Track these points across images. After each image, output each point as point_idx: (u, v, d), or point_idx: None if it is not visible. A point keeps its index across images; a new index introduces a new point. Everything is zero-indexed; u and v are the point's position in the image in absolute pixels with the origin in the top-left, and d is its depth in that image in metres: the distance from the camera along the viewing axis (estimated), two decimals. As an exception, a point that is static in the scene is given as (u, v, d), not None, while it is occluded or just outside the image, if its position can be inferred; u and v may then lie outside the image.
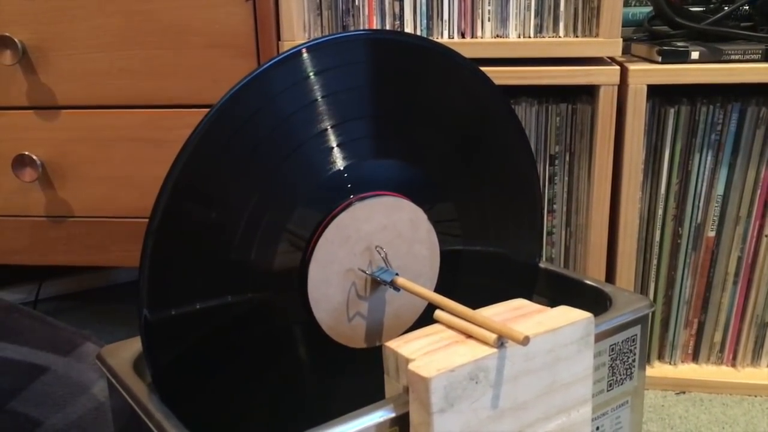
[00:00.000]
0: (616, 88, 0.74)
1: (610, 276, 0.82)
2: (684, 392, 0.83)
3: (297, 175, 0.46)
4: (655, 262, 0.82)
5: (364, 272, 0.48)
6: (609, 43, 0.75)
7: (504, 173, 0.57)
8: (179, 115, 0.80)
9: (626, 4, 0.93)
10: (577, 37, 0.77)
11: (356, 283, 0.48)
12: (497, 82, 0.56)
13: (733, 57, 0.75)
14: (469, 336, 0.41)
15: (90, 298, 1.18)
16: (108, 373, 0.48)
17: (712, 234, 0.80)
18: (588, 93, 0.79)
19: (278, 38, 0.77)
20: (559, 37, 0.77)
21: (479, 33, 0.78)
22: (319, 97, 0.47)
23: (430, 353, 0.40)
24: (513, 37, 0.78)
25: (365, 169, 0.49)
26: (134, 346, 0.49)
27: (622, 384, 0.52)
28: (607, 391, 0.52)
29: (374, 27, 0.78)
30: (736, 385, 0.82)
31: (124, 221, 0.84)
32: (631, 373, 0.53)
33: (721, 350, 0.84)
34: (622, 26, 0.75)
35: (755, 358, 0.84)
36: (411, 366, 0.39)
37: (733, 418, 0.78)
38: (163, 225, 0.42)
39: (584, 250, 0.81)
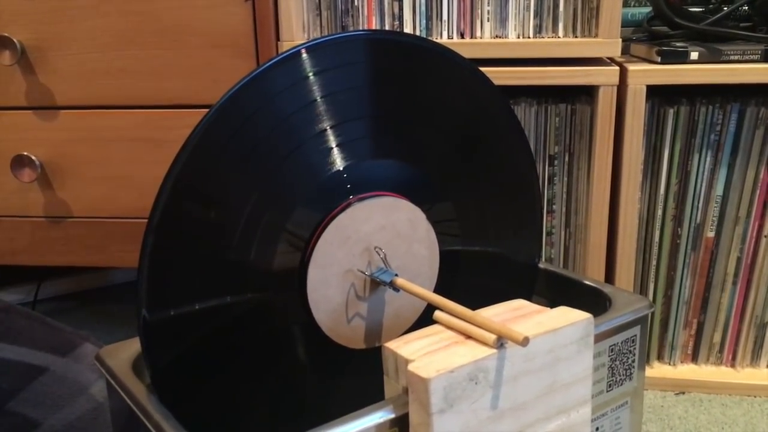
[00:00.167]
0: (615, 88, 0.74)
1: (610, 276, 0.82)
2: (683, 393, 0.83)
3: (296, 175, 0.46)
4: (654, 262, 0.82)
5: (364, 273, 0.48)
6: (608, 43, 0.75)
7: (503, 173, 0.57)
8: (178, 116, 0.80)
9: (625, 4, 0.94)
10: (576, 37, 0.77)
11: (355, 284, 0.48)
12: (496, 82, 0.56)
13: (732, 57, 0.75)
14: (469, 337, 0.41)
15: (89, 299, 1.18)
16: (107, 373, 0.48)
17: (711, 234, 0.80)
18: (587, 93, 0.79)
19: (277, 38, 0.77)
20: (559, 37, 0.77)
21: (478, 33, 0.78)
22: (318, 98, 0.47)
23: (429, 354, 0.40)
24: (512, 37, 0.78)
25: (364, 169, 0.49)
26: (133, 346, 0.49)
27: (621, 384, 0.52)
28: (607, 391, 0.52)
29: (373, 27, 0.78)
30: (736, 385, 0.82)
31: (123, 221, 0.84)
32: (631, 373, 0.53)
33: (721, 350, 0.84)
34: (622, 26, 0.75)
35: (754, 358, 0.84)
36: (410, 367, 0.39)
37: (733, 418, 0.78)
38: (162, 225, 0.42)
39: (584, 251, 0.81)
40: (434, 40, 0.75)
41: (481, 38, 0.78)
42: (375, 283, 0.49)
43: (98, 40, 0.78)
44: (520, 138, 0.58)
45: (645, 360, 0.54)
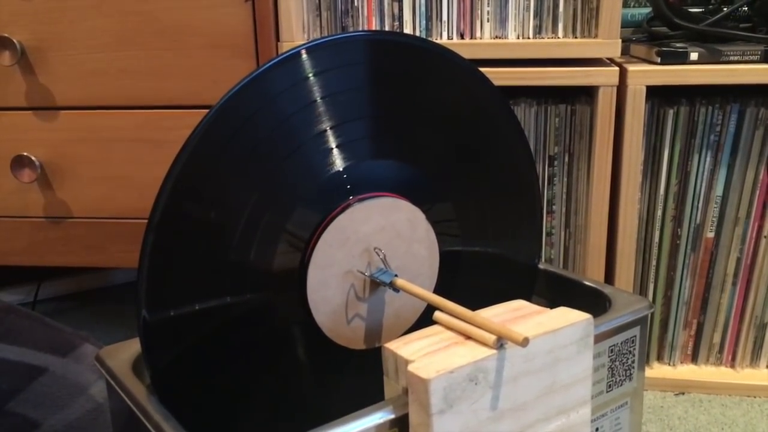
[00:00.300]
0: (615, 89, 0.74)
1: (610, 277, 0.82)
2: (683, 393, 0.83)
3: (296, 175, 0.46)
4: (654, 262, 0.82)
5: (363, 274, 0.48)
6: (608, 44, 0.75)
7: (503, 174, 0.57)
8: (178, 116, 0.80)
9: (625, 5, 0.94)
10: (576, 38, 0.77)
11: (355, 285, 0.48)
12: (496, 82, 0.56)
13: (732, 58, 0.75)
14: (469, 337, 0.41)
15: (89, 299, 1.18)
16: (107, 374, 0.48)
17: (711, 235, 0.80)
18: (587, 94, 0.79)
19: (277, 39, 0.77)
20: (558, 38, 0.77)
21: (478, 34, 0.78)
22: (318, 98, 0.47)
23: (429, 354, 0.40)
24: (512, 37, 0.78)
25: (364, 169, 0.49)
26: (133, 347, 0.49)
27: (621, 385, 0.52)
28: (607, 392, 0.52)
29: (373, 28, 0.78)
30: (735, 386, 0.82)
31: (123, 222, 0.84)
32: (631, 374, 0.53)
33: (720, 351, 0.84)
34: (621, 27, 0.75)
35: (754, 358, 0.84)
36: (410, 367, 0.39)
37: (732, 418, 0.78)
38: (162, 225, 0.42)
39: (583, 251, 0.81)
40: (434, 40, 0.76)
41: (480, 39, 0.78)
42: (375, 284, 0.49)
43: (98, 40, 0.78)
44: (520, 138, 0.58)
45: (645, 360, 0.54)
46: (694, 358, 0.85)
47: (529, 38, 0.77)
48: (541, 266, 0.61)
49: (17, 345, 0.66)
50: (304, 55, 0.46)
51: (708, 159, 0.78)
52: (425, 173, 0.52)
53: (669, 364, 0.86)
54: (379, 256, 0.49)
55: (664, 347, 0.85)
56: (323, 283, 0.47)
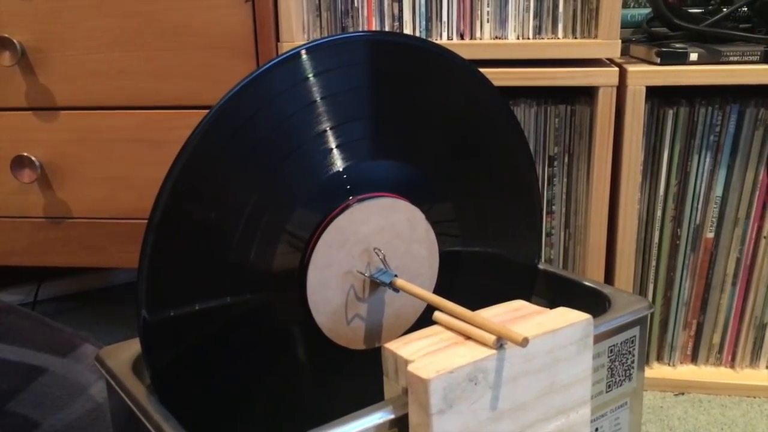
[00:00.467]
0: (614, 89, 0.74)
1: (609, 277, 0.82)
2: (683, 393, 0.83)
3: (296, 176, 0.46)
4: (653, 263, 0.82)
5: (363, 274, 0.48)
6: (608, 44, 0.75)
7: (503, 174, 0.57)
8: (178, 116, 0.80)
9: (625, 5, 0.94)
10: (575, 38, 0.77)
11: (355, 285, 0.48)
12: (496, 83, 0.56)
13: (731, 58, 0.75)
14: (468, 337, 0.41)
15: (89, 300, 1.18)
16: (107, 374, 0.48)
17: (710, 235, 0.80)
18: (587, 94, 0.79)
19: (277, 39, 0.77)
20: (558, 38, 0.77)
21: (478, 34, 0.78)
22: (318, 98, 0.47)
23: (429, 354, 0.40)
24: (512, 38, 0.78)
25: (364, 170, 0.49)
26: (133, 347, 0.49)
27: (621, 385, 0.52)
28: (606, 392, 0.52)
29: (373, 28, 0.79)
30: (735, 386, 0.82)
31: (123, 222, 0.84)
32: (630, 374, 0.53)
33: (720, 351, 0.84)
34: (621, 28, 0.75)
35: (754, 359, 0.84)
36: (410, 367, 0.39)
37: (732, 419, 0.78)
38: (162, 225, 0.42)
39: (583, 252, 0.81)
40: (434, 41, 0.76)
41: (480, 39, 0.78)
42: (375, 284, 0.49)
43: (98, 40, 0.78)
44: (520, 139, 0.58)
45: (644, 361, 0.54)
46: (694, 359, 0.85)
47: (528, 39, 0.77)
48: (541, 266, 0.61)
49: (17, 345, 0.66)
50: (304, 56, 0.46)
51: (708, 159, 0.78)
52: (425, 173, 0.52)
53: (669, 365, 0.86)
54: (378, 256, 0.49)
55: (663, 347, 0.85)
56: (323, 283, 0.47)
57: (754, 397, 0.82)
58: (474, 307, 0.44)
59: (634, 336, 0.52)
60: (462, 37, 0.78)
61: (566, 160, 0.79)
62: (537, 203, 0.59)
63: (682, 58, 0.76)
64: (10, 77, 0.80)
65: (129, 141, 0.81)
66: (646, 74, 0.74)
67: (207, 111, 0.43)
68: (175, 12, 0.77)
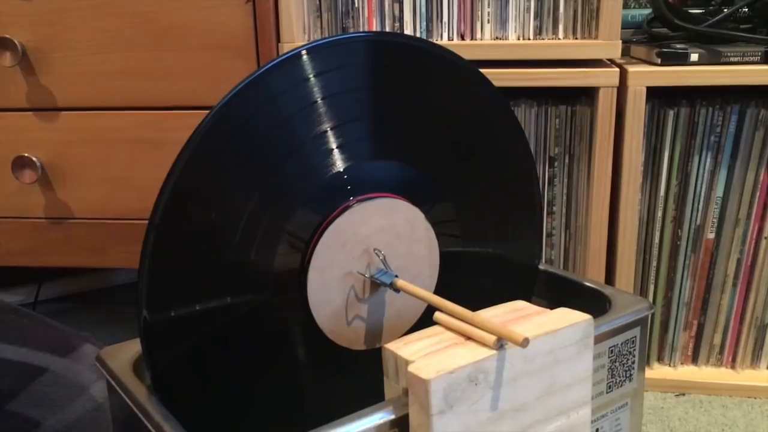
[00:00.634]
0: (615, 90, 0.74)
1: (610, 278, 0.82)
2: (683, 394, 0.83)
3: (297, 176, 0.46)
4: (654, 263, 0.82)
5: (363, 275, 0.48)
6: (608, 45, 0.75)
7: (503, 175, 0.57)
8: (179, 117, 0.80)
9: (625, 6, 0.94)
10: (576, 39, 0.77)
11: (355, 286, 0.48)
12: (496, 83, 0.56)
13: (732, 59, 0.75)
14: (469, 338, 0.41)
15: (89, 300, 1.18)
16: (107, 374, 0.48)
17: (711, 236, 0.80)
18: (587, 95, 0.79)
19: (278, 40, 0.77)
20: (559, 39, 0.77)
21: (479, 35, 0.78)
22: (318, 99, 0.47)
23: (429, 355, 0.40)
24: (512, 38, 0.78)
25: (364, 170, 0.49)
26: (134, 347, 0.49)
27: (621, 386, 0.52)
28: (607, 392, 0.52)
29: (374, 29, 0.79)
30: (736, 386, 0.82)
31: (124, 223, 0.84)
32: (631, 374, 0.53)
33: (721, 352, 0.84)
34: (621, 28, 0.75)
35: (755, 359, 0.84)
36: (410, 368, 0.39)
37: (733, 419, 0.78)
38: (163, 226, 0.42)
39: (584, 252, 0.81)
40: (434, 41, 0.76)
41: (481, 40, 0.78)
42: (375, 285, 0.49)
43: (98, 41, 0.78)
44: (520, 139, 0.58)
45: (645, 361, 0.54)
46: (695, 359, 0.85)
47: (529, 39, 0.77)
48: (542, 267, 0.61)
49: (18, 345, 0.66)
50: (305, 56, 0.47)
51: (708, 160, 0.78)
52: (425, 174, 0.52)
53: (669, 365, 0.86)
54: (378, 257, 0.49)
55: (664, 348, 0.85)
56: (324, 285, 0.47)
57: (755, 398, 0.82)
58: (474, 307, 0.44)
59: (635, 336, 0.52)
60: (462, 37, 0.78)
61: (567, 160, 0.79)
62: (537, 204, 0.59)
63: (682, 59, 0.76)
64: (11, 78, 0.81)
65: (130, 141, 0.81)
66: (646, 75, 0.74)
67: (208, 111, 0.43)
68: (175, 12, 0.77)
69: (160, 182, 0.42)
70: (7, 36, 0.78)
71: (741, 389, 0.82)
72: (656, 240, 0.81)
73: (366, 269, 0.48)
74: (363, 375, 0.50)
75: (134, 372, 0.47)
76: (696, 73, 0.75)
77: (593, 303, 0.55)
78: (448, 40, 0.78)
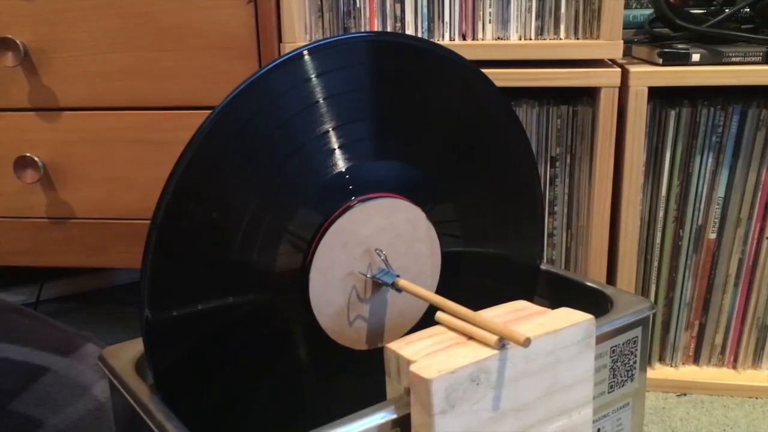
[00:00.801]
0: (616, 90, 0.74)
1: (611, 278, 0.82)
2: (685, 394, 0.83)
3: (298, 176, 0.46)
4: (655, 264, 0.82)
5: (365, 275, 0.48)
6: (610, 45, 0.75)
7: (505, 175, 0.57)
8: (180, 117, 0.80)
9: (627, 6, 0.94)
10: (578, 39, 0.77)
11: (357, 286, 0.48)
12: (498, 83, 0.56)
13: (734, 59, 0.75)
14: (471, 337, 0.41)
15: (91, 300, 1.18)
16: (110, 373, 0.48)
17: (713, 236, 0.80)
18: (589, 95, 0.79)
19: (279, 40, 0.78)
20: (560, 39, 0.77)
21: (480, 35, 0.78)
22: (320, 99, 0.47)
23: (431, 355, 0.40)
24: (514, 39, 0.78)
25: (366, 170, 0.49)
26: (136, 347, 0.49)
27: (623, 386, 0.52)
28: (608, 392, 0.52)
29: (375, 29, 0.79)
30: (737, 387, 0.82)
31: (126, 222, 0.84)
32: (632, 374, 0.53)
33: (722, 352, 0.84)
34: (623, 28, 0.75)
35: (756, 360, 0.84)
36: (412, 367, 0.39)
37: (734, 420, 0.78)
38: (165, 225, 0.42)
39: (585, 252, 0.81)
40: (436, 41, 0.76)
41: (482, 40, 0.78)
42: (377, 285, 0.49)
43: (100, 41, 0.79)
44: (522, 139, 0.58)
45: (646, 361, 0.54)
46: (696, 359, 0.85)
47: (530, 39, 0.78)
48: (543, 267, 0.61)
49: (20, 345, 0.66)
50: (306, 57, 0.47)
51: (710, 160, 0.78)
52: (427, 174, 0.52)
53: (671, 365, 0.86)
54: (380, 257, 0.49)
55: (665, 348, 0.85)
56: (325, 285, 0.47)
57: (757, 398, 0.82)
58: (476, 307, 0.44)
59: (637, 336, 0.52)
60: (464, 37, 0.78)
61: (568, 160, 0.79)
62: (539, 204, 0.59)
63: (684, 59, 0.75)
64: (13, 78, 0.81)
65: (131, 141, 0.81)
66: (648, 75, 0.74)
67: (209, 111, 0.43)
68: (177, 13, 0.77)
69: (162, 182, 0.42)
70: (9, 36, 0.78)
71: (742, 389, 0.82)
72: (658, 240, 0.81)
73: (367, 269, 0.49)
74: (365, 375, 0.50)
75: (136, 371, 0.47)
76: (697, 74, 0.75)
77: (595, 303, 0.55)
78: (450, 40, 0.78)
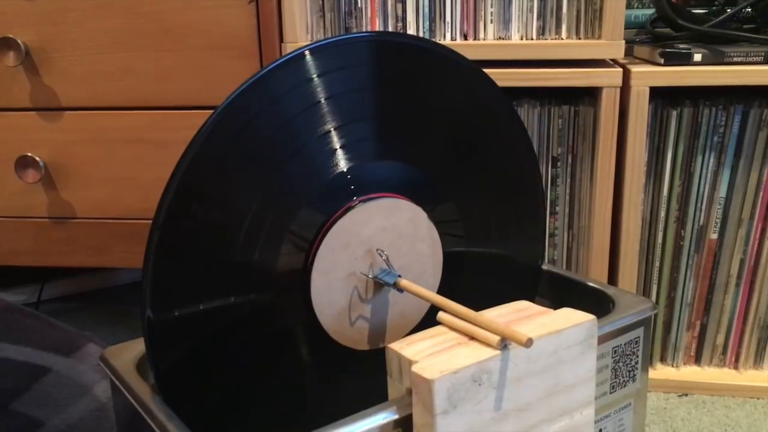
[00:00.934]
0: (618, 90, 0.74)
1: (613, 278, 0.82)
2: (686, 394, 0.83)
3: (300, 176, 0.46)
4: (657, 264, 0.82)
5: (366, 276, 0.48)
6: (611, 45, 0.75)
7: (506, 175, 0.57)
8: (182, 117, 0.80)
9: (629, 6, 0.94)
10: (579, 39, 0.77)
11: (359, 287, 0.48)
12: (500, 83, 0.56)
13: (735, 59, 0.75)
14: (472, 338, 0.41)
15: (92, 300, 1.18)
16: (111, 374, 0.48)
17: (714, 236, 0.80)
18: (590, 95, 0.79)
19: (281, 40, 0.78)
20: (562, 39, 0.77)
21: (482, 35, 0.78)
22: (321, 99, 0.47)
23: (433, 355, 0.40)
24: (515, 38, 0.78)
25: (368, 170, 0.49)
26: (137, 347, 0.49)
27: (624, 386, 0.52)
28: (610, 393, 0.52)
29: (377, 29, 0.79)
30: (739, 387, 0.82)
31: (127, 222, 0.84)
32: (634, 375, 0.53)
33: (724, 352, 0.84)
34: (625, 28, 0.75)
35: (758, 360, 0.84)
36: (414, 368, 0.39)
37: (736, 420, 0.78)
38: (167, 225, 0.42)
39: (587, 252, 0.81)
40: (437, 41, 0.76)
41: (484, 40, 0.78)
42: (378, 285, 0.49)
43: (101, 41, 0.79)
44: (523, 139, 0.58)
45: (648, 362, 0.54)
46: (698, 360, 0.85)
47: (532, 39, 0.77)
48: (545, 267, 0.61)
49: (21, 345, 0.66)
50: (308, 57, 0.47)
51: (711, 160, 0.78)
52: (429, 174, 0.52)
53: (672, 366, 0.85)
54: (381, 257, 0.49)
55: (667, 348, 0.85)
56: (327, 286, 0.47)
57: (758, 399, 0.82)
58: (478, 307, 0.44)
59: (638, 337, 0.52)
60: (465, 37, 0.78)
61: (570, 160, 0.79)
62: (540, 204, 0.59)
63: (685, 59, 0.75)
64: (15, 77, 0.81)
65: (133, 141, 0.81)
66: (649, 75, 0.74)
67: (211, 111, 0.43)
68: (179, 13, 0.77)
69: (163, 182, 0.42)
70: (11, 36, 0.78)
71: (744, 390, 0.82)
72: (659, 240, 0.81)
73: (369, 270, 0.48)
74: (366, 375, 0.50)
75: (138, 371, 0.47)
76: (699, 74, 0.75)
77: (596, 303, 0.55)
78: (451, 40, 0.78)
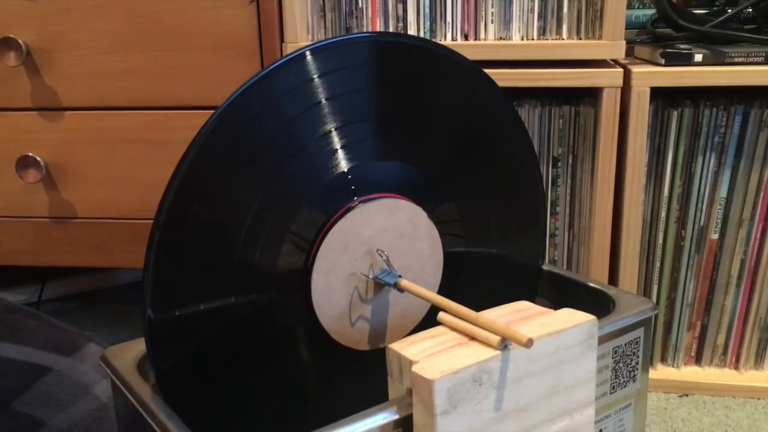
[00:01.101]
0: (619, 90, 0.74)
1: (613, 278, 0.82)
2: (687, 395, 0.83)
3: (301, 176, 0.46)
4: (658, 264, 0.82)
5: (367, 276, 0.48)
6: (612, 45, 0.75)
7: (507, 175, 0.57)
8: (183, 117, 0.80)
9: (629, 6, 0.94)
10: (580, 39, 0.77)
11: (359, 287, 0.48)
12: (500, 84, 0.56)
13: (736, 59, 0.75)
14: (473, 338, 0.41)
15: (93, 300, 1.19)
16: (112, 373, 0.48)
17: (715, 237, 0.80)
18: (591, 95, 0.79)
19: (282, 40, 0.78)
20: (563, 39, 0.77)
21: (482, 35, 0.78)
22: (322, 99, 0.47)
23: (433, 355, 0.40)
24: (516, 39, 0.78)
25: (368, 170, 0.49)
26: (138, 347, 0.49)
27: (625, 386, 0.52)
28: (610, 393, 0.52)
29: (377, 29, 0.79)
30: (739, 387, 0.82)
31: (128, 222, 0.84)
32: (634, 375, 0.53)
33: (724, 353, 0.84)
34: (625, 28, 0.75)
35: (758, 360, 0.84)
36: (414, 368, 0.39)
37: (736, 420, 0.78)
38: (168, 225, 0.42)
39: (587, 253, 0.81)
40: (438, 41, 0.76)
41: (485, 40, 0.78)
42: (379, 285, 0.49)
43: (102, 41, 0.79)
44: (524, 140, 0.58)
45: (648, 362, 0.54)
46: (698, 360, 0.85)
47: (533, 39, 0.77)
48: (545, 267, 0.61)
49: (22, 344, 0.66)
50: (309, 57, 0.47)
51: (712, 160, 0.78)
52: (429, 174, 0.52)
53: (673, 366, 0.85)
54: (382, 257, 0.49)
55: (667, 349, 0.85)
56: (328, 287, 0.47)
57: (759, 399, 0.82)
58: (478, 307, 0.44)
59: (639, 337, 0.52)
60: (466, 37, 0.78)
61: (570, 161, 0.79)
62: (541, 204, 0.59)
63: (686, 59, 0.75)
64: (16, 78, 0.81)
65: (134, 141, 0.81)
66: (650, 75, 0.74)
67: (212, 111, 0.43)
68: (179, 13, 0.77)
69: (164, 182, 0.42)
70: (12, 36, 0.78)
71: (744, 390, 0.82)
72: (660, 240, 0.81)
73: (369, 270, 0.49)
74: (367, 375, 0.50)
75: (138, 371, 0.47)
76: (700, 74, 0.75)
77: (597, 304, 0.55)
78: (452, 40, 0.78)
